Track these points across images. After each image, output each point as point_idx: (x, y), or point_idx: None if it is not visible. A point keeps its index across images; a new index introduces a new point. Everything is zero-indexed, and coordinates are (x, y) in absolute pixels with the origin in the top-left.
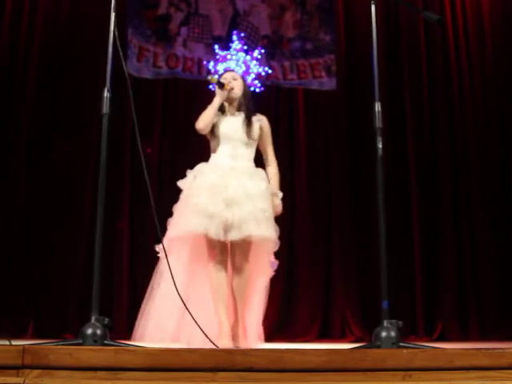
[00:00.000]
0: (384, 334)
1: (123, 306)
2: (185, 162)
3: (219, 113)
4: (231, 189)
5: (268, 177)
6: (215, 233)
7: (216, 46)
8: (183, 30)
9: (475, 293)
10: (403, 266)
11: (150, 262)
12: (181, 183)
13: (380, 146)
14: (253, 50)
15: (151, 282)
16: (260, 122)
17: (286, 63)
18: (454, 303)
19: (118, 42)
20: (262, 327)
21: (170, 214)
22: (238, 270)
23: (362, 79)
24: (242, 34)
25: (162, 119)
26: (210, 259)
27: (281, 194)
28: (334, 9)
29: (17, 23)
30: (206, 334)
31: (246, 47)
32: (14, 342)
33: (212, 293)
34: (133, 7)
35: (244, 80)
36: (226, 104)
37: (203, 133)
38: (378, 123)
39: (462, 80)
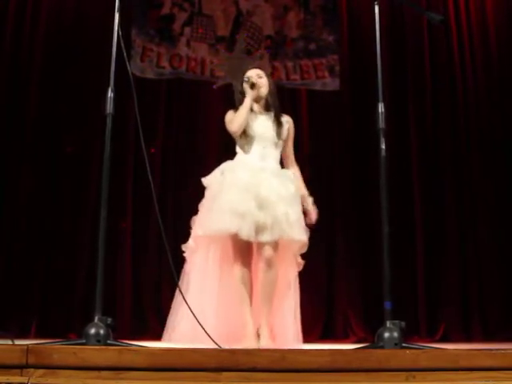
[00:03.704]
0: (387, 334)
1: (126, 305)
2: (188, 161)
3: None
4: (263, 189)
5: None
6: (247, 234)
7: (219, 46)
8: (187, 30)
9: (478, 293)
10: (406, 266)
11: (152, 262)
12: (206, 180)
13: (383, 146)
14: (256, 50)
15: (179, 283)
16: (288, 123)
17: (289, 63)
18: (456, 304)
19: (122, 43)
20: (300, 328)
21: (173, 214)
22: (267, 265)
23: (366, 80)
24: (245, 34)
25: (165, 119)
26: (236, 259)
27: (311, 199)
28: (338, 9)
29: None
30: (208, 334)
31: (249, 47)
32: (17, 342)
33: (236, 293)
34: (137, 7)
35: (269, 77)
36: (252, 103)
37: (237, 135)
38: (381, 124)
39: (465, 80)
